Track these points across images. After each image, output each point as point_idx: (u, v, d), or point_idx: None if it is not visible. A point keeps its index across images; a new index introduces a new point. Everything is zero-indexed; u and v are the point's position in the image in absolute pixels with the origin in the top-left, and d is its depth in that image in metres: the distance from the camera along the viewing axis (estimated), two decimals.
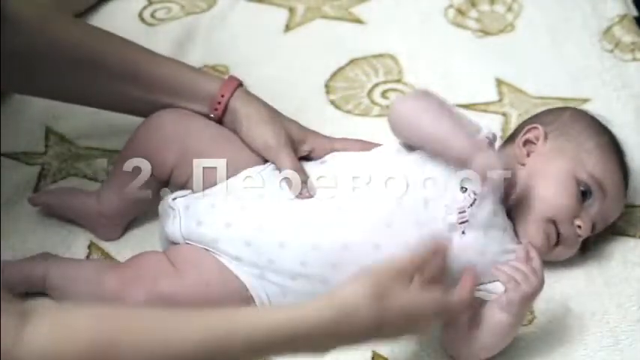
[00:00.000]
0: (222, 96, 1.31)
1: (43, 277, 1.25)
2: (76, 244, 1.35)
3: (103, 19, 1.65)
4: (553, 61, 1.61)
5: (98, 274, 1.23)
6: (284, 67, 1.61)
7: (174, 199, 1.27)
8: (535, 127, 1.30)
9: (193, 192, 1.28)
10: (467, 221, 1.20)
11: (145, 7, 1.70)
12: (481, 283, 1.19)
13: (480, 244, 1.21)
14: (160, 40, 1.64)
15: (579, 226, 1.26)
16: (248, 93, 1.33)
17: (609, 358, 1.22)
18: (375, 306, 1.03)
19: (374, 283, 1.04)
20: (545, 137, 1.29)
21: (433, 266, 1.09)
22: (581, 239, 1.27)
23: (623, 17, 1.67)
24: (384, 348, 1.23)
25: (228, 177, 1.27)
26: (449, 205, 1.21)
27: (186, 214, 1.25)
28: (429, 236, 1.16)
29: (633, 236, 1.36)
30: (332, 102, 1.55)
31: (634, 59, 1.60)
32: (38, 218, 1.37)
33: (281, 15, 1.69)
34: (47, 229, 1.36)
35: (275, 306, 1.18)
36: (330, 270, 1.20)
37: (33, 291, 1.25)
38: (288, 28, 1.67)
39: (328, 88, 1.57)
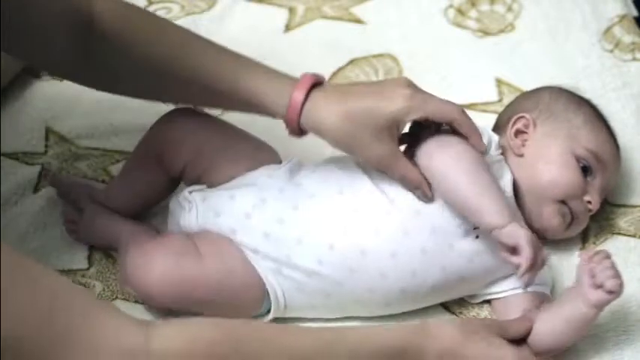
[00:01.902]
0: (293, 105, 1.20)
1: (116, 236, 1.29)
2: (77, 243, 1.35)
3: None
4: (553, 61, 1.61)
5: (128, 242, 1.25)
6: (284, 67, 1.59)
7: (190, 192, 1.27)
8: (522, 117, 1.31)
9: (208, 187, 1.28)
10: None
11: (144, 7, 1.70)
12: (501, 278, 1.22)
13: (494, 245, 1.21)
14: None
15: (589, 202, 1.28)
16: (324, 95, 1.21)
17: (609, 357, 1.22)
18: (460, 337, 1.12)
19: (464, 321, 1.18)
20: (534, 124, 1.31)
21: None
22: (591, 213, 1.30)
23: (623, 17, 1.67)
24: None
25: (246, 171, 1.27)
26: None
27: (203, 205, 1.25)
28: (444, 243, 1.20)
29: (633, 236, 1.36)
30: None
31: (634, 59, 1.60)
32: (38, 218, 1.37)
33: (281, 15, 1.69)
34: (47, 229, 1.36)
35: (377, 326, 1.21)
36: (347, 273, 1.21)
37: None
38: (288, 28, 1.67)
39: None
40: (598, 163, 1.29)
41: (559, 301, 1.20)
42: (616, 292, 1.14)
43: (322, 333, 1.10)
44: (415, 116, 1.20)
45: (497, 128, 1.34)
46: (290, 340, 1.06)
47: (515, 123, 1.31)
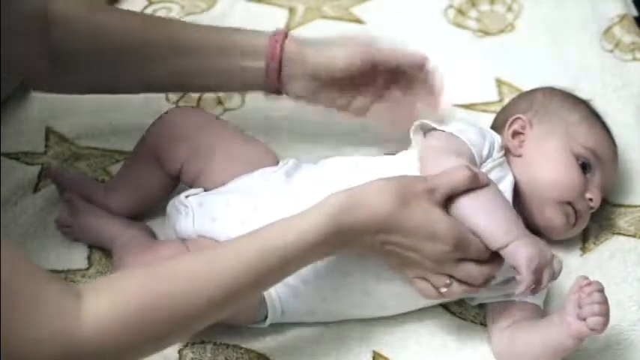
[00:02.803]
0: (276, 42, 1.31)
1: (112, 239, 1.29)
2: (77, 244, 1.35)
3: None
4: (553, 61, 1.61)
5: (124, 250, 1.25)
6: None
7: (186, 196, 1.27)
8: (518, 118, 1.31)
9: (205, 190, 1.28)
10: None
11: (145, 8, 1.70)
12: (499, 283, 1.21)
13: None
14: None
15: (590, 199, 1.28)
16: (295, 40, 1.32)
17: (609, 357, 1.22)
18: (396, 208, 1.08)
19: (400, 189, 1.10)
20: (531, 124, 1.31)
21: None
22: (592, 210, 1.30)
23: (623, 17, 1.67)
24: (384, 348, 1.23)
25: (242, 175, 1.27)
26: None
27: (199, 210, 1.25)
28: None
29: (633, 236, 1.36)
30: None
31: (634, 59, 1.60)
32: (38, 218, 1.37)
33: (281, 15, 1.69)
34: (47, 229, 1.36)
35: (304, 215, 1.12)
36: (342, 278, 1.20)
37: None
38: (288, 28, 1.67)
39: None
40: (597, 160, 1.30)
41: (542, 323, 1.19)
42: (597, 330, 1.12)
43: (245, 246, 1.07)
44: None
45: (495, 130, 1.34)
46: (216, 267, 1.04)
47: (511, 124, 1.31)
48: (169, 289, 1.02)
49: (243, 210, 1.23)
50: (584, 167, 1.29)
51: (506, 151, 1.28)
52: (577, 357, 1.21)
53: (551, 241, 1.33)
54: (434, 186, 1.12)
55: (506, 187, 1.23)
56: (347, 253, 1.16)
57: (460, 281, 1.14)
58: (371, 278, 1.20)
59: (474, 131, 1.25)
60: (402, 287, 1.19)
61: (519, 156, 1.29)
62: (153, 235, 1.32)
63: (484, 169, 1.22)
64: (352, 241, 1.11)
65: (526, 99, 1.36)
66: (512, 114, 1.33)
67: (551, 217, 1.28)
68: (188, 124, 1.30)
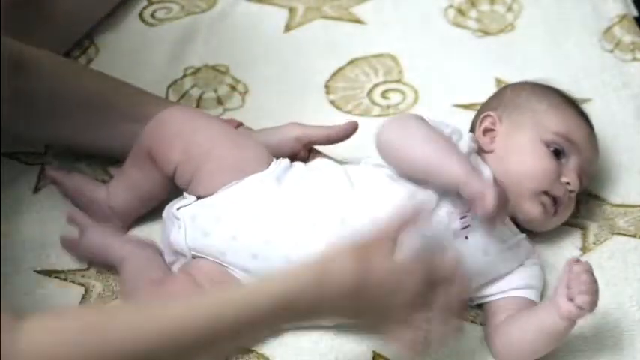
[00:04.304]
0: None
1: (120, 260, 1.28)
2: None
3: (103, 19, 1.65)
4: (553, 61, 1.61)
5: (134, 282, 1.24)
6: (284, 67, 1.61)
7: (178, 208, 1.27)
8: (488, 115, 1.32)
9: (197, 199, 1.27)
10: (469, 226, 1.21)
11: (145, 7, 1.70)
12: (491, 281, 1.22)
13: (484, 244, 1.22)
14: (160, 40, 1.64)
15: (568, 183, 1.28)
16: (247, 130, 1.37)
17: (610, 357, 1.22)
18: (358, 265, 1.04)
19: (356, 246, 1.06)
20: (500, 119, 1.32)
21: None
22: (574, 195, 1.30)
23: (623, 17, 1.66)
24: (385, 348, 1.23)
25: (232, 182, 1.26)
26: (450, 212, 1.21)
27: (192, 224, 1.25)
28: (434, 244, 1.16)
29: (633, 236, 1.36)
30: (332, 102, 1.55)
31: (634, 59, 1.60)
32: (38, 218, 1.37)
33: (281, 15, 1.69)
34: (47, 230, 1.36)
35: (257, 281, 1.13)
36: None
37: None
38: (288, 28, 1.67)
39: (328, 88, 1.57)
40: (570, 145, 1.30)
41: (535, 308, 1.21)
42: (585, 309, 1.13)
43: (201, 303, 1.03)
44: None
45: (473, 132, 1.34)
46: (164, 321, 1.00)
47: (482, 122, 1.32)
48: (106, 339, 0.98)
49: (233, 224, 1.23)
50: (557, 153, 1.29)
51: (480, 150, 1.29)
52: (577, 357, 1.21)
53: (552, 241, 1.33)
54: (384, 235, 1.09)
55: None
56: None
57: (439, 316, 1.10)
58: None
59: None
60: None
61: (491, 152, 1.30)
62: (160, 254, 1.30)
63: None
64: (318, 316, 1.11)
65: (496, 96, 1.38)
66: (483, 112, 1.34)
67: (529, 209, 1.28)
68: (182, 127, 1.30)
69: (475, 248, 1.22)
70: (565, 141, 1.29)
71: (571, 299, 1.14)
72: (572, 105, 1.35)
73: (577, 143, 1.30)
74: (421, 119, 1.25)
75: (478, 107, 1.52)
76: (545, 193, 1.28)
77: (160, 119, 1.31)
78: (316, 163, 1.31)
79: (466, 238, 1.22)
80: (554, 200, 1.28)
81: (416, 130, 1.24)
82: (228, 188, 1.26)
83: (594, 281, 1.15)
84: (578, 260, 1.17)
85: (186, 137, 1.28)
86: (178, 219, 1.26)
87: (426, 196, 1.22)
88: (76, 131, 1.38)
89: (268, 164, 1.28)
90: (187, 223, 1.25)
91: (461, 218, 1.21)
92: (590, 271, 1.16)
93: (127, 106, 1.37)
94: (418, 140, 1.22)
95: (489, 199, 1.15)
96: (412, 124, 1.25)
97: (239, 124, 1.37)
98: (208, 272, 1.23)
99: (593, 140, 1.34)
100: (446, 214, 1.21)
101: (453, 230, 1.21)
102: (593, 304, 1.14)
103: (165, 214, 1.29)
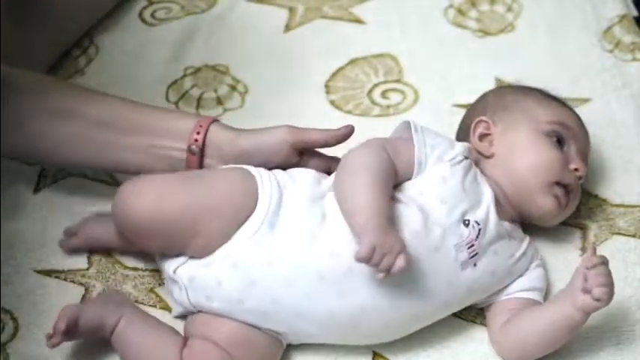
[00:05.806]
0: (201, 126, 1.29)
1: (113, 326, 1.20)
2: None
3: (103, 19, 1.65)
4: (553, 61, 1.61)
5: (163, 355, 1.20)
6: (284, 67, 1.61)
7: (174, 271, 1.22)
8: (480, 120, 1.32)
9: (191, 258, 1.22)
10: (477, 254, 1.21)
11: (145, 7, 1.70)
12: (500, 290, 1.23)
13: (493, 265, 1.22)
14: (160, 40, 1.64)
15: (576, 169, 1.29)
16: (224, 125, 1.32)
17: (610, 358, 1.22)
18: None
19: None
20: (494, 122, 1.32)
21: None
22: (582, 181, 1.30)
23: (623, 17, 1.66)
24: (384, 348, 1.23)
25: (221, 243, 1.21)
26: (458, 244, 1.20)
27: (191, 286, 1.21)
28: (442, 283, 1.18)
29: (633, 236, 1.36)
30: (332, 102, 1.55)
31: (634, 59, 1.60)
32: (38, 218, 1.37)
33: (281, 15, 1.69)
34: (47, 230, 1.36)
35: None
36: (349, 330, 1.20)
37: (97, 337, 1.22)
38: (288, 28, 1.67)
39: (328, 88, 1.57)
40: (568, 131, 1.30)
41: (547, 303, 1.21)
42: (602, 301, 1.14)
43: None
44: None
45: (458, 139, 1.34)
46: None
47: (475, 129, 1.32)
48: None
49: (236, 289, 1.19)
50: (559, 142, 1.29)
51: (477, 161, 1.28)
52: (577, 356, 1.21)
53: (552, 241, 1.33)
54: None
55: (488, 203, 1.23)
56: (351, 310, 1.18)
57: None
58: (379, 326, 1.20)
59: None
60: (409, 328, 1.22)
61: (492, 156, 1.30)
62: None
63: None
64: None
65: (479, 103, 1.38)
66: (472, 120, 1.33)
67: (542, 203, 1.27)
68: (152, 214, 1.20)
69: (484, 272, 1.21)
70: (562, 128, 1.30)
71: (587, 292, 1.14)
72: (553, 98, 1.36)
73: (572, 128, 1.31)
74: (381, 153, 1.22)
75: None
76: (557, 183, 1.27)
77: (123, 204, 1.22)
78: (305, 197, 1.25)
79: (475, 265, 1.21)
80: (566, 190, 1.28)
81: (360, 170, 1.20)
82: (224, 249, 1.21)
83: (610, 274, 1.15)
84: (594, 253, 1.17)
85: (159, 225, 1.20)
86: (176, 281, 1.22)
87: (435, 215, 1.20)
88: (48, 142, 1.33)
89: (256, 196, 1.22)
90: (187, 284, 1.21)
91: (468, 248, 1.20)
92: (606, 263, 1.16)
93: (93, 112, 1.32)
94: (352, 181, 1.19)
95: (366, 251, 1.11)
96: (366, 161, 1.21)
97: (213, 120, 1.31)
98: (234, 336, 1.20)
99: (583, 125, 1.35)
100: (453, 247, 1.20)
101: (462, 262, 1.20)
102: (610, 296, 1.14)
103: (164, 273, 1.25)
